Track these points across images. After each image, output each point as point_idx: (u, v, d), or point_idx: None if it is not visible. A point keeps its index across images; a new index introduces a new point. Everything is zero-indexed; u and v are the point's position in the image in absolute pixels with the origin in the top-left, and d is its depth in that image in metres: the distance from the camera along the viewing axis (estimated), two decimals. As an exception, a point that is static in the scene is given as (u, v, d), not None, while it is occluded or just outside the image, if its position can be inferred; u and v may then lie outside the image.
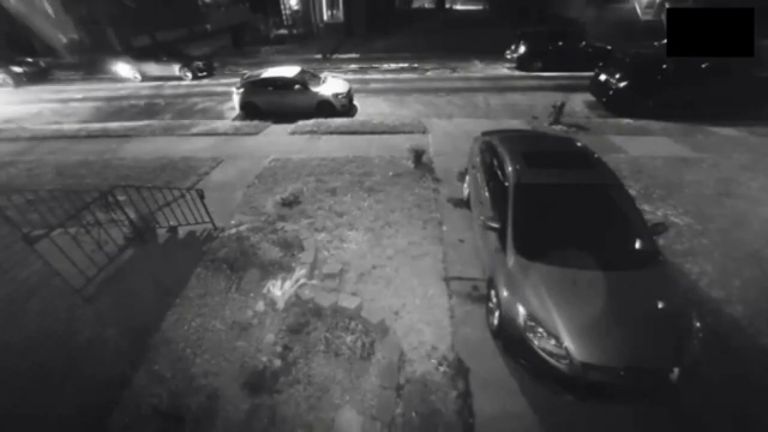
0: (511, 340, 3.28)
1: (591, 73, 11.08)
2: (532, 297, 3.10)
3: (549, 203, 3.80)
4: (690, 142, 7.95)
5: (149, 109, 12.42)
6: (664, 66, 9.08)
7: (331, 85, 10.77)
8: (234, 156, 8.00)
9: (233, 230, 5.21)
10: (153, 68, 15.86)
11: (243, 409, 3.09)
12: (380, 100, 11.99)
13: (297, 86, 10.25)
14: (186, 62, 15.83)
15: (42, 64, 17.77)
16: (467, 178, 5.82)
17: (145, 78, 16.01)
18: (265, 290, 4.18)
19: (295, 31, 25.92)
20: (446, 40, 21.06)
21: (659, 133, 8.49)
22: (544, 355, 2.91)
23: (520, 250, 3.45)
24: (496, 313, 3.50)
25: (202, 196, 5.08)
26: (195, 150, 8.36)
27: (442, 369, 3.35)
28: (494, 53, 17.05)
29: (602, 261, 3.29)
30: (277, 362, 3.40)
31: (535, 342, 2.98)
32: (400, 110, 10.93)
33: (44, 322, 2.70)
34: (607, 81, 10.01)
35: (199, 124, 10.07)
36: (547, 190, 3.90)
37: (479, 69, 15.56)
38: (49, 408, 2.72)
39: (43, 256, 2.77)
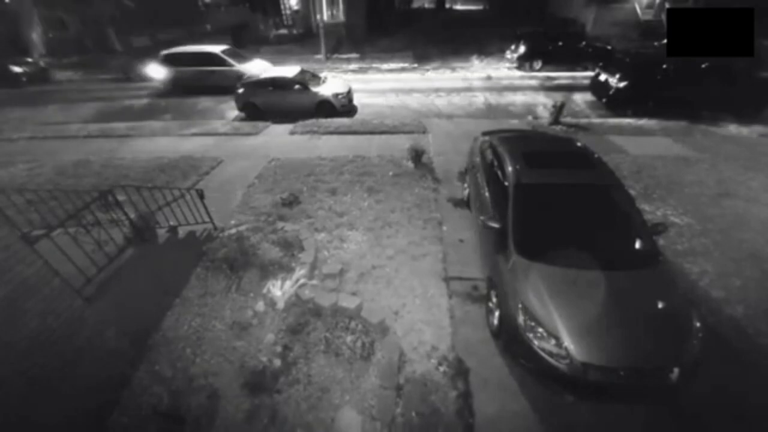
0: (511, 340, 3.28)
1: (591, 73, 11.09)
2: (532, 297, 3.10)
3: (549, 203, 3.80)
4: (690, 142, 7.94)
5: (149, 108, 12.41)
6: (664, 66, 9.09)
7: (331, 85, 10.77)
8: (234, 156, 7.99)
9: (233, 230, 5.20)
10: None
11: (243, 409, 3.08)
12: (380, 99, 11.98)
13: (297, 86, 10.24)
14: None
15: (42, 63, 17.78)
16: (467, 178, 5.81)
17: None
18: (265, 290, 4.18)
19: (295, 31, 25.88)
20: (446, 40, 21.01)
21: (659, 133, 8.49)
22: (544, 355, 2.91)
23: (520, 250, 3.45)
24: (496, 313, 3.51)
25: (202, 196, 5.08)
26: (195, 150, 8.36)
27: (442, 369, 3.35)
28: (494, 53, 17.06)
29: (602, 261, 3.29)
30: (277, 362, 3.40)
31: (535, 342, 2.97)
32: (400, 110, 10.92)
33: (44, 322, 2.69)
34: (607, 81, 10.01)
35: (199, 124, 10.07)
36: (547, 190, 3.91)
37: (479, 69, 15.55)
38: (49, 408, 2.73)
39: (43, 256, 2.76)
